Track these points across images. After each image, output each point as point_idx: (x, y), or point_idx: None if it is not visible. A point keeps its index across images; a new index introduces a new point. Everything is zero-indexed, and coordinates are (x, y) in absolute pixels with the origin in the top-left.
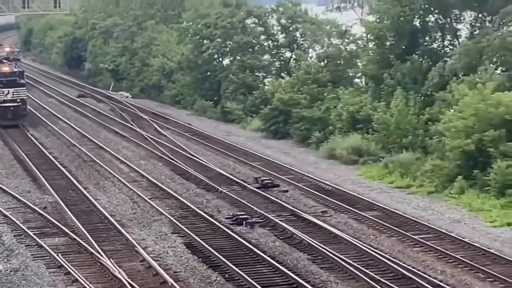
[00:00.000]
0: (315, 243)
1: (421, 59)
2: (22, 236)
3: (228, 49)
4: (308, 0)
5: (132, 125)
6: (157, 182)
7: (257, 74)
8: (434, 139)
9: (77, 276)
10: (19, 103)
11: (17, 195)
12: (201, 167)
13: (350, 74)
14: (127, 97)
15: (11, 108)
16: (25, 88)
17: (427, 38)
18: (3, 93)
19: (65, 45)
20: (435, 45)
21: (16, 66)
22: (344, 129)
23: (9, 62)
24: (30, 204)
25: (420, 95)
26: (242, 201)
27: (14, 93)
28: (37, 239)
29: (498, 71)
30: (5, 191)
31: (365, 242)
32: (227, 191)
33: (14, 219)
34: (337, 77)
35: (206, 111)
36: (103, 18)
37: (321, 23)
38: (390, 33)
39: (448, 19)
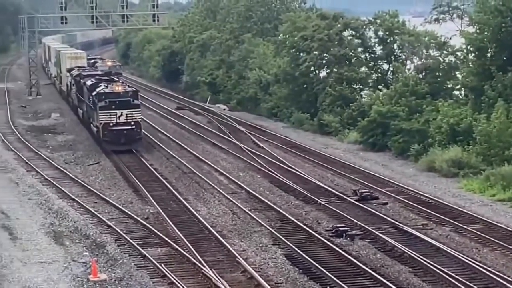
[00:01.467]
0: (416, 255)
1: None
2: (126, 246)
3: (325, 62)
4: (403, 12)
5: (229, 137)
6: (256, 194)
7: (354, 86)
8: None
9: (180, 286)
10: (133, 126)
11: (119, 206)
12: (299, 179)
13: (449, 86)
14: (224, 109)
15: (124, 132)
16: (139, 109)
17: None
18: (116, 115)
19: (163, 58)
20: None
21: (130, 86)
22: (443, 142)
23: (121, 81)
24: (133, 215)
25: None
26: (342, 213)
27: (128, 115)
28: (140, 249)
29: None
30: (108, 202)
31: (468, 255)
32: (326, 203)
33: (117, 229)
34: (436, 89)
35: (302, 123)
36: (200, 31)
37: (419, 34)
38: (491, 44)
39: None
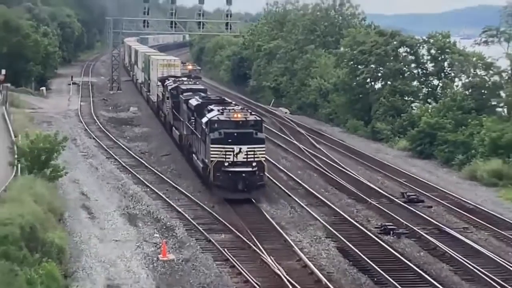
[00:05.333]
0: (457, 256)
1: None
2: (193, 231)
3: (380, 75)
4: (452, 33)
5: (290, 138)
6: (312, 191)
7: (405, 98)
8: None
9: (241, 270)
10: (255, 168)
11: (189, 194)
12: (352, 179)
13: (494, 103)
14: (286, 113)
15: (243, 175)
16: (264, 146)
17: None
18: (233, 151)
19: (232, 63)
20: None
21: (252, 113)
22: (485, 153)
23: (236, 105)
24: (200, 203)
25: None
26: (390, 213)
27: (249, 153)
28: (206, 234)
29: None
30: (179, 190)
31: (504, 258)
32: (376, 203)
33: (186, 215)
34: (481, 105)
35: (357, 129)
36: (267, 41)
37: (468, 55)
38: None
39: None
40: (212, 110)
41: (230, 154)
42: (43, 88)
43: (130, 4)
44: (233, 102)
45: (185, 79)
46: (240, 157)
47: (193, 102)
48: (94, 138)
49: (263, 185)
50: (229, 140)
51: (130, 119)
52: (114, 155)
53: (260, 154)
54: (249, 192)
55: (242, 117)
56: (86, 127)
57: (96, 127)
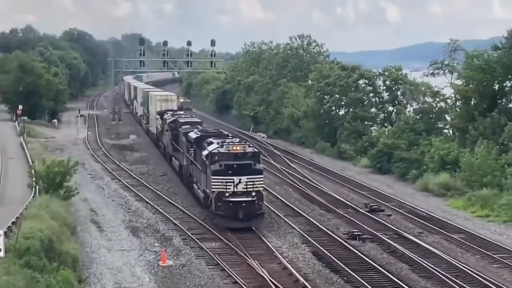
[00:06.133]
0: (414, 256)
1: (499, 116)
2: (188, 240)
3: (343, 103)
4: (403, 66)
5: (268, 158)
6: (288, 203)
7: (365, 123)
8: (509, 179)
9: (230, 273)
10: (254, 198)
11: (183, 208)
12: (322, 193)
13: (440, 126)
14: (263, 137)
15: (243, 205)
16: (262, 176)
17: (504, 100)
18: (233, 182)
19: (216, 95)
20: (511, 105)
21: (250, 145)
22: (435, 169)
23: (234, 137)
24: (193, 216)
25: (498, 144)
26: (356, 221)
27: (248, 183)
28: (199, 242)
29: None
30: (174, 205)
31: (454, 258)
32: (343, 213)
33: (181, 226)
34: (430, 127)
35: (324, 150)
36: (246, 76)
37: (417, 85)
38: (475, 94)
39: None
40: (211, 143)
41: (231, 185)
42: (55, 120)
43: (128, 47)
44: (230, 135)
45: (182, 112)
46: (240, 187)
47: (193, 135)
48: (100, 162)
49: (262, 214)
50: (229, 172)
51: (131, 145)
52: (118, 176)
53: (258, 184)
54: (249, 221)
55: (241, 149)
56: (93, 153)
57: (101, 153)
